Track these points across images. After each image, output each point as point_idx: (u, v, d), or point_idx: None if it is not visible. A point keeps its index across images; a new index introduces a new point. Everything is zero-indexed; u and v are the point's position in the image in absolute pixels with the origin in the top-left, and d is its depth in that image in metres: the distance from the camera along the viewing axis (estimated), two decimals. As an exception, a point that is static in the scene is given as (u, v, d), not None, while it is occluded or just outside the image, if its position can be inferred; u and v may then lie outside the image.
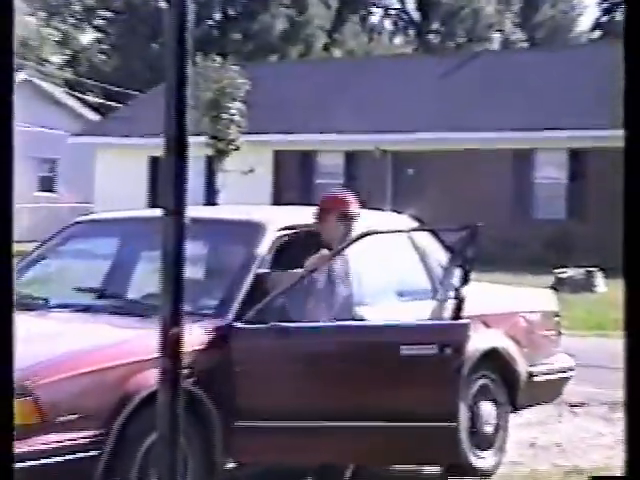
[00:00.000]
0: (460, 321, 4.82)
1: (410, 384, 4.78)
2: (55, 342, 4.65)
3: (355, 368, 4.80)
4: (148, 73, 37.22)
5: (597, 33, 48.73)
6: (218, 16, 43.48)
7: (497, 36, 48.43)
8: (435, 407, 4.75)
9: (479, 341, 5.71)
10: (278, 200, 23.64)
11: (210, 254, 5.73)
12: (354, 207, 5.08)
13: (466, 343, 4.79)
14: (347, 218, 5.02)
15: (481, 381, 5.89)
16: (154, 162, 25.44)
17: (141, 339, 4.63)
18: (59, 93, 32.61)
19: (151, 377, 4.31)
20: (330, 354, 4.83)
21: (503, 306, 6.29)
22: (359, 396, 4.80)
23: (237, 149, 22.10)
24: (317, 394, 4.81)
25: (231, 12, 43.07)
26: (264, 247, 5.22)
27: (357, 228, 5.04)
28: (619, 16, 48.38)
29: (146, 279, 5.64)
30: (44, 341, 4.63)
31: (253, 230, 5.32)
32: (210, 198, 23.05)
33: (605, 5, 48.23)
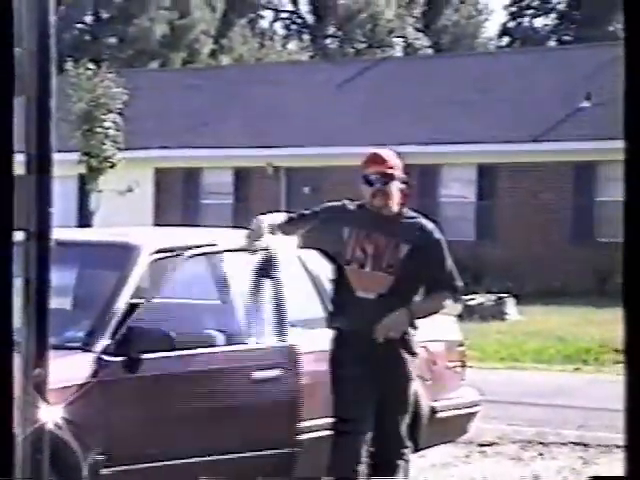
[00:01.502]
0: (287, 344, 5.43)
1: (261, 409, 5.34)
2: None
3: (208, 396, 5.20)
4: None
5: (505, 39, 49.89)
6: (90, 19, 43.13)
7: (399, 41, 49.19)
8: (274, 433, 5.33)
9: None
10: (160, 222, 23.51)
11: (78, 281, 5.69)
12: (381, 167, 5.01)
13: (295, 366, 5.40)
14: (370, 181, 5.01)
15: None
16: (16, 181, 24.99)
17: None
18: None
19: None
20: (184, 381, 5.18)
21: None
22: (215, 427, 5.21)
23: (113, 166, 21.91)
24: (175, 429, 5.11)
25: (104, 14, 42.77)
26: (137, 272, 5.23)
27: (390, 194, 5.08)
28: (526, 22, 49.65)
29: None
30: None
31: (125, 253, 5.31)
32: (84, 220, 22.79)
33: (512, 9, 49.42)
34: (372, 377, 5.02)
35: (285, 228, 5.13)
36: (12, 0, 1.84)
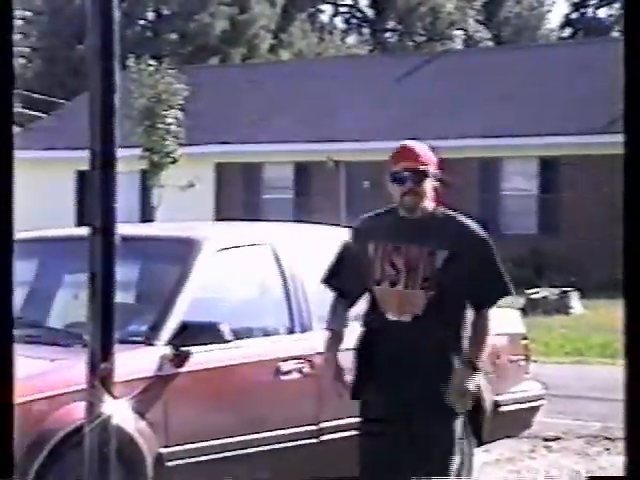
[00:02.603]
0: None
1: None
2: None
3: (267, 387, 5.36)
4: (73, 79, 37.06)
5: (568, 31, 49.40)
6: (151, 15, 43.44)
7: (459, 34, 48.92)
8: None
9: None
10: (221, 217, 23.62)
11: (142, 275, 5.75)
12: (413, 163, 4.20)
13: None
14: (400, 179, 4.19)
15: None
16: (81, 177, 25.31)
17: (62, 371, 4.65)
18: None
19: (74, 412, 4.33)
20: (241, 373, 5.30)
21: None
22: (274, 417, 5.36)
23: (174, 162, 22.05)
24: (234, 420, 5.20)
25: (165, 11, 43.06)
26: (200, 266, 5.27)
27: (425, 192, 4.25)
28: (590, 12, 49.10)
29: (69, 305, 5.63)
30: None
31: (188, 248, 5.36)
32: (146, 215, 22.97)
33: (575, 0, 48.92)
34: (406, 432, 4.16)
35: (337, 336, 4.33)
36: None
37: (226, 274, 5.52)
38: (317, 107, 25.51)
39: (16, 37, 45.60)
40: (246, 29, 42.37)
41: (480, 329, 4.23)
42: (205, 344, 5.05)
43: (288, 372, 5.39)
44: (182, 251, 5.40)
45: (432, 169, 4.24)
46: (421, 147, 4.30)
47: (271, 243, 5.69)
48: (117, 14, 3.00)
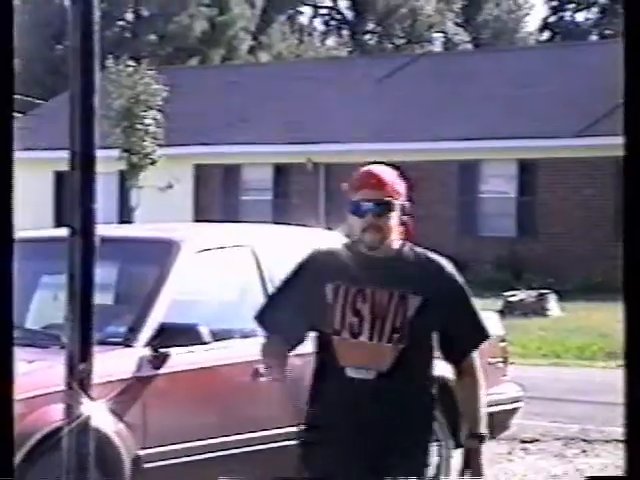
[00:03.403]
0: None
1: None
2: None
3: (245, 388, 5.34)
4: (52, 79, 36.96)
5: (546, 34, 49.60)
6: (131, 16, 43.36)
7: (439, 37, 49.05)
8: None
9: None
10: (200, 219, 23.60)
11: (120, 277, 5.74)
12: (377, 192, 3.56)
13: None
14: (361, 210, 3.55)
15: None
16: (60, 178, 25.24)
17: (41, 372, 4.64)
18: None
19: (52, 413, 4.33)
20: (219, 374, 5.32)
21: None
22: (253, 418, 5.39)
23: (153, 163, 22.03)
24: (212, 422, 5.22)
25: (145, 12, 42.98)
26: (178, 268, 5.27)
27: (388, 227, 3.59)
28: (568, 16, 49.31)
29: (47, 307, 5.62)
30: None
31: (167, 249, 5.36)
32: (124, 217, 22.92)
33: (553, 3, 49.12)
34: None
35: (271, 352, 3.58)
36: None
37: (205, 276, 5.52)
38: (296, 109, 25.53)
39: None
40: (225, 30, 42.35)
41: (471, 386, 3.66)
42: (184, 346, 5.06)
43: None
44: (161, 252, 5.40)
45: (399, 200, 3.58)
46: (388, 173, 3.61)
47: (251, 245, 5.69)
48: (97, 14, 2.99)
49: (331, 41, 50.26)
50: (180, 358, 5.07)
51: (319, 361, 3.60)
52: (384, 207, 3.55)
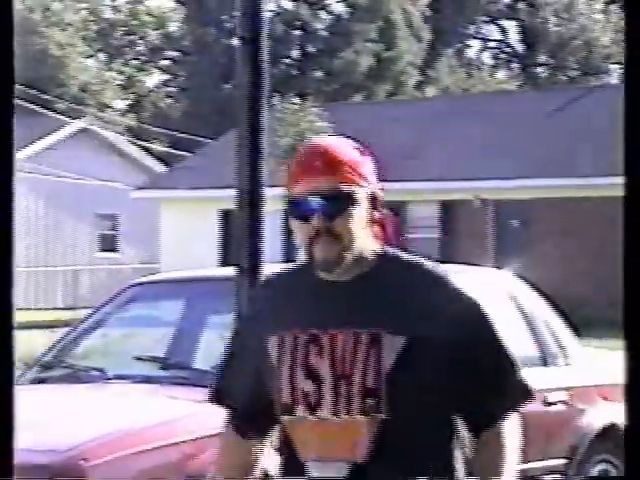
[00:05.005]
0: None
1: None
2: (112, 417, 4.73)
3: None
4: (219, 118, 37.86)
5: None
6: (296, 53, 44.10)
7: (616, 68, 48.15)
8: None
9: (595, 416, 5.64)
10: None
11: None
12: (326, 178, 2.39)
13: None
14: (303, 211, 2.41)
15: (599, 466, 5.83)
16: (226, 216, 25.75)
17: (210, 413, 4.71)
18: (121, 142, 33.34)
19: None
20: None
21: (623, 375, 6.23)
22: None
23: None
24: None
25: (311, 49, 43.65)
26: None
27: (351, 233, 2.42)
28: None
29: (216, 346, 5.70)
30: (99, 416, 4.72)
31: None
32: (289, 255, 23.20)
33: None
34: None
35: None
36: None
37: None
38: (464, 144, 25.41)
39: (164, 77, 46.89)
40: (392, 65, 42.60)
41: (494, 459, 2.38)
42: None
43: None
44: None
45: (366, 187, 2.42)
46: (343, 148, 2.44)
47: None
48: (266, 53, 3.06)
49: (501, 74, 49.96)
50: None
51: (279, 451, 2.46)
52: (341, 201, 2.37)
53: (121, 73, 45.12)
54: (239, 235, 3.16)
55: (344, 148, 2.45)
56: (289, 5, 42.97)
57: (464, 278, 5.91)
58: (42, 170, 29.10)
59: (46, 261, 30.09)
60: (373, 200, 2.44)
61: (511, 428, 2.40)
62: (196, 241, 26.21)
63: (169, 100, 45.18)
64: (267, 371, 2.42)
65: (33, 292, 29.66)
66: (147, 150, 35.02)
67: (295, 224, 2.43)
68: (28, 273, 29.19)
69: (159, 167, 32.94)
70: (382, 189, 2.49)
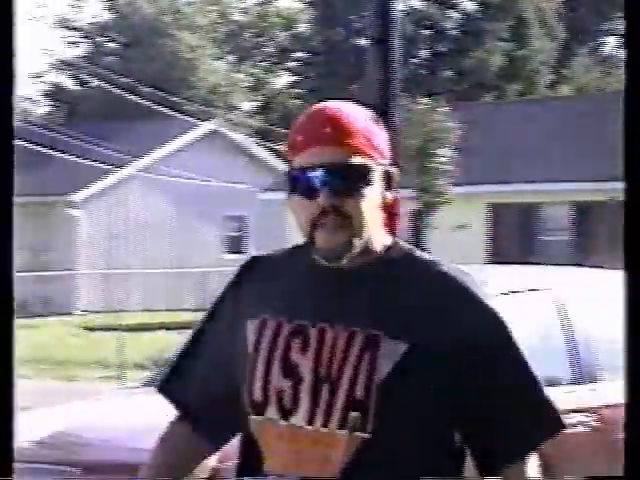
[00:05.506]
0: None
1: None
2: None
3: None
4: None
5: None
6: (426, 53, 43.99)
7: None
8: None
9: None
10: (494, 260, 23.48)
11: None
12: (336, 148, 2.02)
13: None
14: (309, 185, 2.04)
15: None
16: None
17: None
18: (249, 144, 33.72)
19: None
20: None
21: None
22: None
23: (447, 202, 22.13)
24: None
25: (441, 48, 43.49)
26: None
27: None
28: None
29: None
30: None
31: None
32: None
33: None
34: None
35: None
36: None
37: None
38: (598, 144, 24.99)
39: (292, 79, 47.29)
40: (524, 64, 42.17)
41: None
42: None
43: (573, 425, 5.24)
44: None
45: (381, 163, 2.05)
46: (355, 115, 2.06)
47: (552, 289, 5.58)
48: (397, 54, 3.06)
49: (637, 72, 48.92)
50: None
51: (240, 458, 2.11)
52: (353, 177, 2.00)
53: (250, 75, 45.65)
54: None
55: (358, 114, 2.05)
56: (418, 4, 42.90)
57: (603, 282, 5.80)
58: (172, 172, 29.63)
59: (177, 263, 30.62)
60: (388, 179, 2.06)
61: (531, 471, 1.96)
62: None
63: (298, 101, 45.54)
64: (241, 360, 2.06)
65: (163, 294, 30.21)
66: (275, 151, 35.37)
67: (296, 202, 2.04)
68: (159, 275, 29.75)
69: (285, 168, 33.18)
70: (398, 167, 2.14)
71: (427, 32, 42.73)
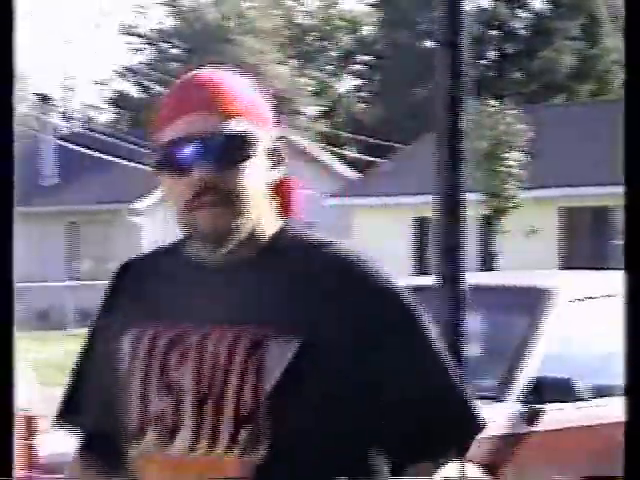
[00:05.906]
0: None
1: None
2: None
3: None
4: (411, 123, 37.92)
5: None
6: (494, 54, 43.74)
7: None
8: None
9: None
10: (568, 265, 23.27)
11: (488, 326, 5.75)
12: (209, 115, 1.73)
13: None
14: (180, 160, 1.73)
15: None
16: (421, 224, 25.73)
17: None
18: (313, 149, 33.79)
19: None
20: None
21: None
22: None
23: (517, 207, 21.97)
24: None
25: (509, 49, 43.22)
26: (551, 318, 5.20)
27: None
28: None
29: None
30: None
31: (536, 298, 5.31)
32: (487, 263, 23.00)
33: None
34: None
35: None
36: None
37: (578, 327, 5.41)
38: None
39: (357, 82, 47.28)
40: (596, 64, 41.76)
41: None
42: (557, 402, 4.96)
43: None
44: (531, 301, 5.35)
45: (264, 131, 1.79)
46: (231, 78, 1.80)
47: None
48: (466, 56, 3.03)
49: None
50: (554, 415, 4.99)
51: None
52: (233, 146, 1.73)
53: (314, 79, 45.73)
54: (439, 242, 3.13)
55: (236, 79, 1.78)
56: (486, 4, 42.69)
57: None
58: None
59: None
60: (275, 155, 1.78)
61: (448, 473, 1.69)
62: (389, 249, 26.29)
63: (362, 105, 45.52)
64: (120, 381, 1.78)
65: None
66: (339, 156, 35.38)
67: (166, 180, 1.74)
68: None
69: (350, 174, 33.21)
70: (284, 140, 1.82)
71: (495, 32, 42.49)
